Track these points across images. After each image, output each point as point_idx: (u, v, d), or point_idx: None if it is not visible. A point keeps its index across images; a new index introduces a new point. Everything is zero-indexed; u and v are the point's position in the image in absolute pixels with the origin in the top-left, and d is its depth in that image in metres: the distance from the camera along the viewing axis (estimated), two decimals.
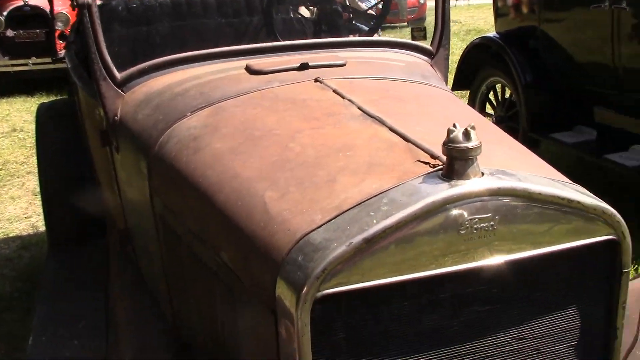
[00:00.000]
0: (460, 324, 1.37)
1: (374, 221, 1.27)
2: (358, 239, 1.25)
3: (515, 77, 5.12)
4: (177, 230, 1.87)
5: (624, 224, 1.42)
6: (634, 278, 1.96)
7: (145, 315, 2.35)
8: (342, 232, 1.28)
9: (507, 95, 5.51)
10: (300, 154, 1.62)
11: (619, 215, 1.42)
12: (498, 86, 5.61)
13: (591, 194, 1.43)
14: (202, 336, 1.92)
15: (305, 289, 1.24)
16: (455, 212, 1.28)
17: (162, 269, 2.09)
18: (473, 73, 5.68)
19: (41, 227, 4.42)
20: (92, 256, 3.04)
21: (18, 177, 5.72)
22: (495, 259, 1.34)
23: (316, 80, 2.07)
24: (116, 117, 2.26)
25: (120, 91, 2.28)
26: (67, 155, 3.37)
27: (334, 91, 1.96)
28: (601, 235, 1.41)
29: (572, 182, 1.47)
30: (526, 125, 5.05)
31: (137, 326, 2.31)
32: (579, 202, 1.37)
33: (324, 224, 1.32)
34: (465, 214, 1.29)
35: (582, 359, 1.49)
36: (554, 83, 5.09)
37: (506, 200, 1.32)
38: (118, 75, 2.28)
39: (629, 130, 4.54)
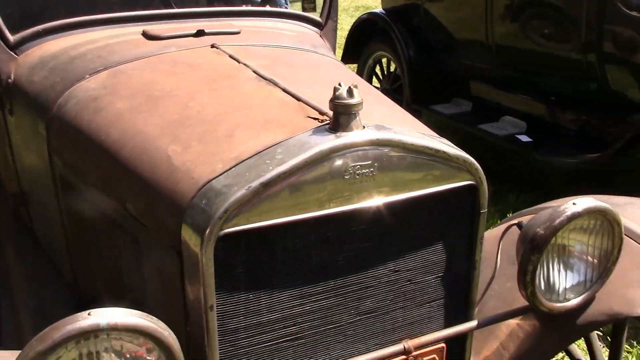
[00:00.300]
0: (345, 259, 1.55)
1: (270, 168, 1.41)
2: (256, 183, 1.39)
3: (400, 52, 5.41)
4: (79, 187, 1.93)
5: (482, 171, 1.65)
6: (493, 227, 2.25)
7: (41, 276, 2.37)
8: (242, 177, 1.42)
9: (392, 69, 5.81)
10: (200, 112, 1.73)
11: (477, 164, 1.64)
12: (384, 60, 5.88)
13: (455, 146, 1.65)
14: (104, 290, 1.99)
15: (208, 229, 1.37)
16: (340, 160, 1.46)
17: (62, 227, 2.13)
18: (361, 47, 5.93)
19: None
20: None
21: None
22: (375, 201, 1.53)
23: (212, 46, 2.17)
24: (9, 80, 2.26)
25: (13, 54, 2.28)
26: None
27: (230, 56, 2.07)
28: (463, 181, 1.64)
29: (439, 137, 1.69)
30: (409, 97, 5.38)
31: (32, 287, 2.34)
32: (444, 152, 1.59)
33: (224, 172, 1.45)
34: (349, 162, 1.46)
35: (447, 289, 1.73)
36: (435, 58, 5.43)
37: (384, 150, 1.51)
38: (11, 37, 2.27)
39: (501, 102, 4.97)
